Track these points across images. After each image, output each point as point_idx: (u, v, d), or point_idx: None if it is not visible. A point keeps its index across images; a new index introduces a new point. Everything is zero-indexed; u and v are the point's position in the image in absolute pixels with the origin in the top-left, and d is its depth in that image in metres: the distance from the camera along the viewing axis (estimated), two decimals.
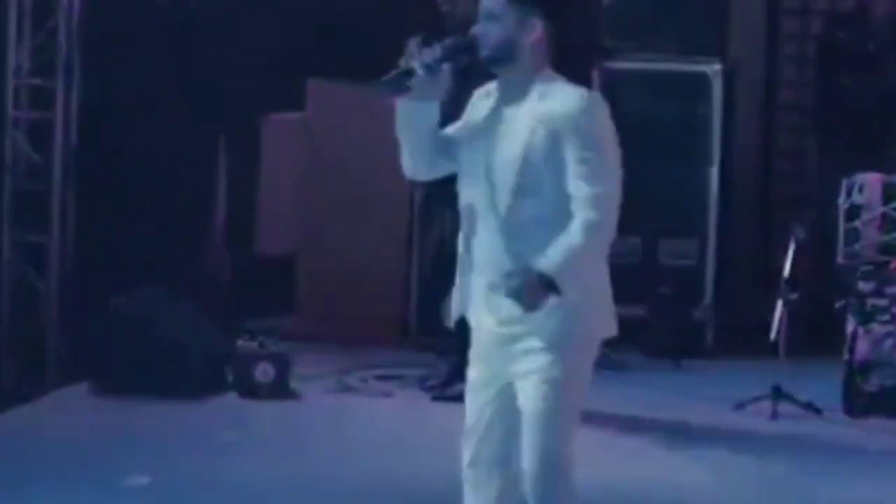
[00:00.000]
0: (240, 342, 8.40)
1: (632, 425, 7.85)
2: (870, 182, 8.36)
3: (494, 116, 4.42)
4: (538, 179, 4.32)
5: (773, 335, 7.98)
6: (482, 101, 4.49)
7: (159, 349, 8.07)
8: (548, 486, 4.33)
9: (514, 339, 4.32)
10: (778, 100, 10.74)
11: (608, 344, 4.60)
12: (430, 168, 4.52)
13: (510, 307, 4.22)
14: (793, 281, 8.09)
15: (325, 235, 9.68)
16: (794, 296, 8.05)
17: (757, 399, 8.04)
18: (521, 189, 4.32)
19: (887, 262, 8.22)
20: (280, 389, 8.12)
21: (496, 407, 4.42)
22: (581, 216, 4.26)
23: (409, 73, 4.26)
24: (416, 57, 4.26)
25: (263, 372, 8.21)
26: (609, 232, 4.31)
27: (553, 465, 4.35)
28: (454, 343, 8.06)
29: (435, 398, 8.07)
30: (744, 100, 10.24)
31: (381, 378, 8.70)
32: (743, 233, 10.22)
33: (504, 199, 4.33)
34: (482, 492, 4.45)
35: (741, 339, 9.36)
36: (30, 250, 8.79)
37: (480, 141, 4.43)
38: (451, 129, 4.50)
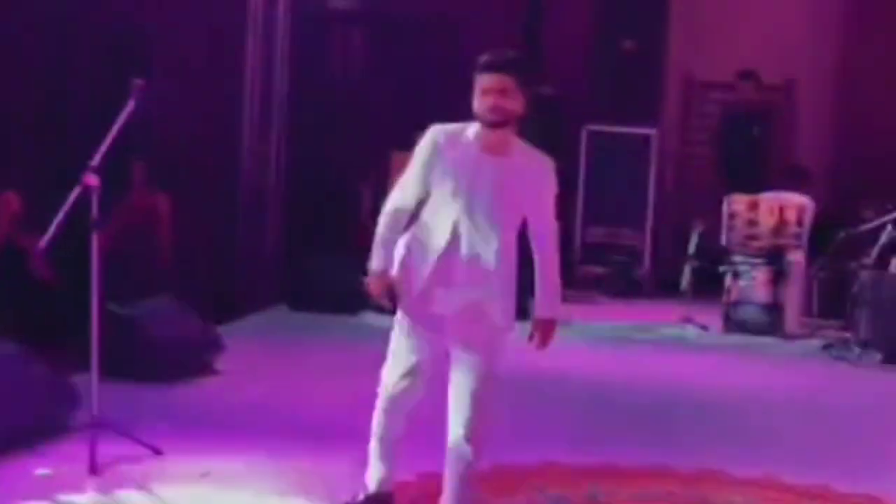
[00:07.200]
0: None
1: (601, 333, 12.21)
2: (740, 199, 13.14)
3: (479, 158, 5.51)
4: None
5: (683, 286, 12.84)
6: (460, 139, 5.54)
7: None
8: None
9: None
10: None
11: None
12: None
13: None
14: (695, 254, 12.91)
15: None
16: (696, 263, 12.84)
17: (673, 322, 12.73)
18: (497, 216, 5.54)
19: (749, 244, 12.94)
20: None
21: None
22: (550, 250, 5.66)
23: None
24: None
25: None
26: None
27: None
28: None
29: None
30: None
31: None
32: (668, 226, 15.29)
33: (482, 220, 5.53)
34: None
35: (665, 288, 14.20)
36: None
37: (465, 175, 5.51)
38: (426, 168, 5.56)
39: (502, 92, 5.42)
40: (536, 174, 5.56)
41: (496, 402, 5.66)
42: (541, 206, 5.59)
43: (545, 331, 5.69)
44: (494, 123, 5.45)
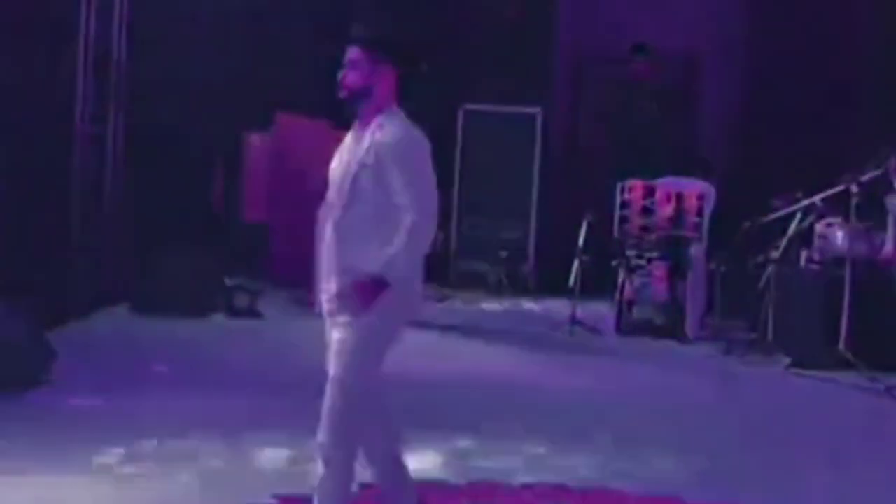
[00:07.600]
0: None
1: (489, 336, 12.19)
2: (634, 185, 13.07)
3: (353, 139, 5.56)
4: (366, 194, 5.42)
5: (571, 283, 12.56)
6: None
7: None
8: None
9: None
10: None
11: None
12: None
13: None
14: (585, 247, 12.68)
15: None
16: (586, 257, 12.64)
17: (562, 324, 12.64)
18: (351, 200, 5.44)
19: (644, 236, 12.93)
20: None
21: None
22: (404, 227, 5.31)
23: None
24: None
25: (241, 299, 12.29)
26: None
27: None
28: None
29: None
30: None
31: None
32: (556, 217, 15.18)
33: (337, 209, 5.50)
34: None
35: (552, 285, 14.08)
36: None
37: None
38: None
39: (348, 65, 5.47)
40: (381, 150, 5.43)
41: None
42: (390, 183, 5.39)
43: (356, 285, 5.34)
44: (344, 101, 5.49)
